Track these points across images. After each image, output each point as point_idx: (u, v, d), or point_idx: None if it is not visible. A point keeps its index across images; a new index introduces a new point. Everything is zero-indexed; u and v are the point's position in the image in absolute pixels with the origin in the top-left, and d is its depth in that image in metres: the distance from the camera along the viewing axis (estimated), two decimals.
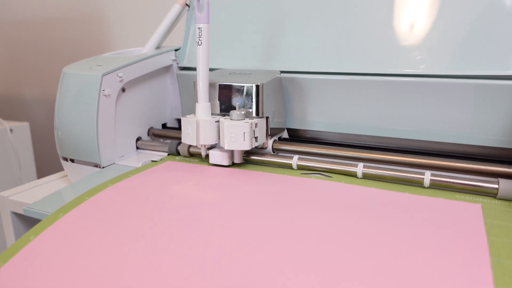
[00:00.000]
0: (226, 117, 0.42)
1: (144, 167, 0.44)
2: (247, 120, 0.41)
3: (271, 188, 0.38)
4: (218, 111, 0.44)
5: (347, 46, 0.45)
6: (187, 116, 0.43)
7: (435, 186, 0.37)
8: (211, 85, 0.43)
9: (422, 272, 0.25)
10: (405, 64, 0.42)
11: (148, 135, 0.53)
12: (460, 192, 0.36)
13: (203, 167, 0.44)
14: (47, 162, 1.14)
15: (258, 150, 0.46)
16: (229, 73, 0.46)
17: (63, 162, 0.48)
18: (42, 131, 1.14)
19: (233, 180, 0.41)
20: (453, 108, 0.40)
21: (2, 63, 1.20)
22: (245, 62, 0.50)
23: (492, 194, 0.35)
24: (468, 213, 0.32)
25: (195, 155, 0.47)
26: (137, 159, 0.48)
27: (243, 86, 0.43)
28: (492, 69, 0.38)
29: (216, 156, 0.44)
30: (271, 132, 0.45)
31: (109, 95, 0.45)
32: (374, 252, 0.27)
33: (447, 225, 0.30)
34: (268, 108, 0.44)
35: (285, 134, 0.50)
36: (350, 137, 0.47)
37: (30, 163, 0.97)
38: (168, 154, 0.49)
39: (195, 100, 0.43)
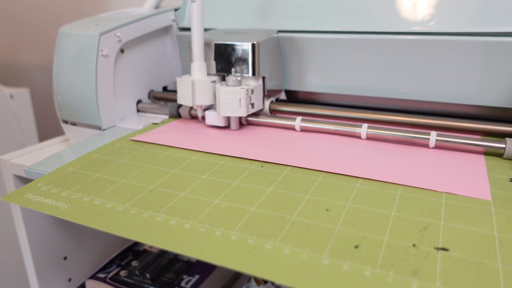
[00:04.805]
0: (222, 83, 0.42)
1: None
2: (243, 86, 0.41)
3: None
4: (214, 71, 0.44)
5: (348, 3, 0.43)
6: (182, 76, 0.42)
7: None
8: (206, 45, 0.43)
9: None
10: (410, 22, 0.41)
11: (149, 98, 0.52)
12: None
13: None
14: (48, 129, 1.14)
15: (255, 112, 0.45)
16: (225, 33, 0.45)
17: (64, 125, 0.48)
18: (43, 97, 1.13)
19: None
20: (460, 67, 0.39)
21: (0, 29, 1.18)
22: (241, 21, 0.49)
23: (498, 154, 0.34)
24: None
25: (197, 118, 0.47)
26: (137, 121, 0.47)
27: (239, 45, 0.42)
28: (501, 26, 0.37)
29: (212, 117, 0.43)
30: (268, 93, 0.45)
31: (108, 56, 0.44)
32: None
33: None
34: (264, 68, 0.43)
35: (282, 96, 0.49)
36: (351, 98, 0.46)
37: (32, 129, 0.96)
38: (170, 117, 0.48)
39: (190, 59, 0.42)
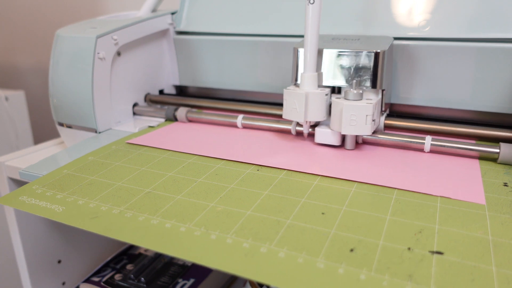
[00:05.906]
0: (338, 96, 0.37)
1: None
2: (368, 100, 0.35)
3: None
4: (322, 82, 0.39)
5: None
6: (289, 88, 0.37)
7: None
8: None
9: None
10: (406, 28, 0.41)
11: (145, 101, 0.52)
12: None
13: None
14: (43, 131, 1.14)
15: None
16: (332, 39, 0.40)
17: (59, 128, 0.47)
18: (38, 100, 1.13)
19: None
20: (454, 72, 0.39)
21: None
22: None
23: (493, 158, 0.35)
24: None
25: (194, 121, 0.47)
26: (133, 124, 0.47)
27: (359, 53, 0.37)
28: (495, 32, 0.37)
29: (325, 135, 0.38)
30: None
31: (104, 58, 0.44)
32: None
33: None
34: (385, 79, 0.37)
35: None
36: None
37: (27, 132, 0.96)
38: (166, 120, 0.48)
39: (295, 69, 0.38)
